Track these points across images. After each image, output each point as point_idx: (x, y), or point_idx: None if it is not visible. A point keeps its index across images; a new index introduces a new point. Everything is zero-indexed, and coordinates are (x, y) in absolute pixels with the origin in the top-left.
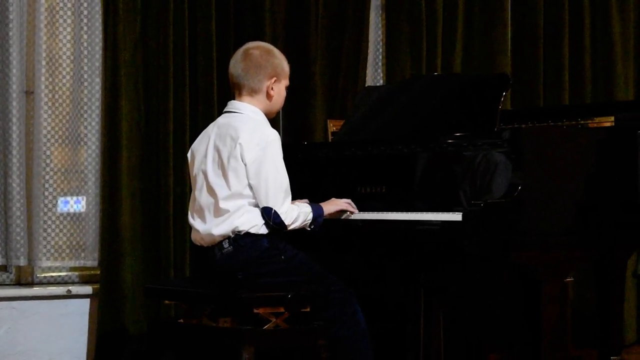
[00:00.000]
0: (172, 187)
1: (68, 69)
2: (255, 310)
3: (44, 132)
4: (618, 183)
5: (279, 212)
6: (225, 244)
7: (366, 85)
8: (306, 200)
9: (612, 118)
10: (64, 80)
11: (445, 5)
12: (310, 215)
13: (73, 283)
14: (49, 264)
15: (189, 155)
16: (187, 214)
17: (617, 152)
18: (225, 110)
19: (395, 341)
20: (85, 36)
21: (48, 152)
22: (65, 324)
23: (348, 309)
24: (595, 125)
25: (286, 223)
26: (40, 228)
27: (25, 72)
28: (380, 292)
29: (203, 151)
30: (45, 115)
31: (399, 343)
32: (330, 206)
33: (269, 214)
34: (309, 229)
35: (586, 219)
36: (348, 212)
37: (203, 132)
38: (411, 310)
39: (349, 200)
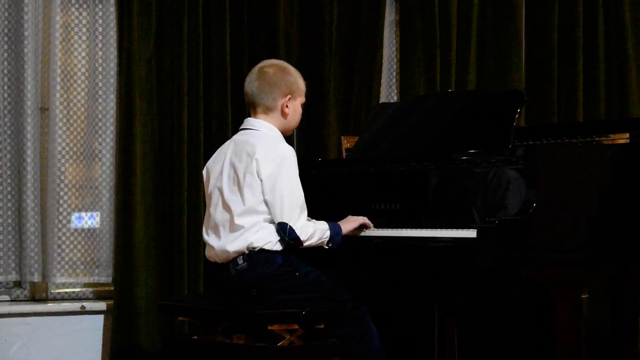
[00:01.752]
0: (186, 203)
1: (83, 86)
2: (270, 327)
3: (59, 148)
4: (632, 200)
5: (294, 228)
6: (240, 261)
7: (380, 102)
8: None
9: (627, 135)
10: (79, 97)
11: (459, 22)
12: (328, 233)
13: (87, 299)
14: (63, 280)
15: (204, 172)
16: (201, 230)
17: (632, 169)
18: (241, 127)
19: (407, 352)
20: (100, 53)
21: (62, 168)
22: (79, 340)
23: (362, 325)
24: (609, 142)
25: (302, 239)
26: (54, 244)
27: (40, 89)
28: (394, 306)
29: (219, 168)
30: (60, 132)
31: (411, 354)
32: (348, 224)
33: (284, 230)
34: (326, 247)
35: (600, 236)
36: (364, 229)
37: (219, 149)
38: (423, 323)
39: (365, 218)
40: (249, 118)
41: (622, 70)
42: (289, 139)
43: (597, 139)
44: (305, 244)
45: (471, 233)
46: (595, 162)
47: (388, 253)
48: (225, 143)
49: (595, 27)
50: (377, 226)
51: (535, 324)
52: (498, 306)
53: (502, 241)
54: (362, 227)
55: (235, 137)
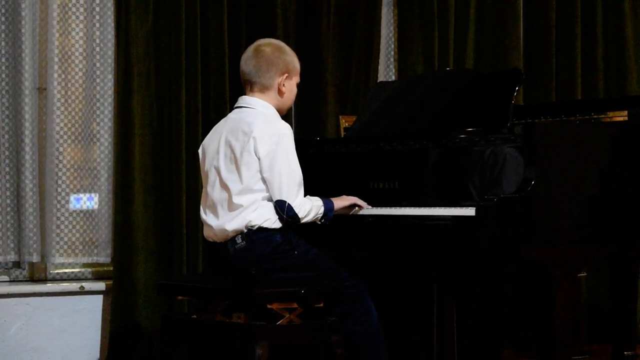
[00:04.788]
0: (185, 183)
1: (80, 66)
2: (269, 306)
3: (57, 128)
4: (631, 177)
5: (292, 205)
6: (239, 239)
7: (378, 81)
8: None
9: (626, 113)
10: (77, 77)
11: (457, 0)
12: (322, 209)
13: (86, 279)
14: (62, 260)
15: (200, 151)
16: (199, 210)
17: (630, 147)
18: (236, 105)
19: (406, 334)
20: (97, 32)
21: (61, 149)
22: (78, 320)
23: (361, 304)
24: (608, 119)
25: (300, 216)
26: (53, 225)
27: (37, 69)
28: (392, 286)
29: (215, 147)
30: (58, 112)
31: (410, 336)
32: (341, 201)
33: (282, 207)
34: (319, 222)
35: (599, 214)
36: (357, 207)
37: (214, 128)
38: (422, 304)
39: (358, 199)
40: (244, 96)
41: (620, 48)
42: (287, 117)
43: (595, 116)
44: (303, 220)
45: (470, 211)
46: (594, 140)
47: (386, 232)
48: (220, 121)
49: (594, 5)
50: (375, 205)
51: (534, 299)
52: (497, 283)
53: (500, 219)
54: (355, 205)
55: (230, 115)
